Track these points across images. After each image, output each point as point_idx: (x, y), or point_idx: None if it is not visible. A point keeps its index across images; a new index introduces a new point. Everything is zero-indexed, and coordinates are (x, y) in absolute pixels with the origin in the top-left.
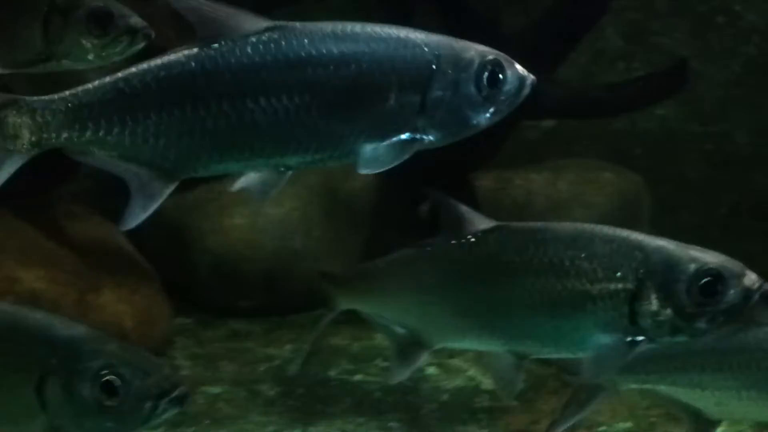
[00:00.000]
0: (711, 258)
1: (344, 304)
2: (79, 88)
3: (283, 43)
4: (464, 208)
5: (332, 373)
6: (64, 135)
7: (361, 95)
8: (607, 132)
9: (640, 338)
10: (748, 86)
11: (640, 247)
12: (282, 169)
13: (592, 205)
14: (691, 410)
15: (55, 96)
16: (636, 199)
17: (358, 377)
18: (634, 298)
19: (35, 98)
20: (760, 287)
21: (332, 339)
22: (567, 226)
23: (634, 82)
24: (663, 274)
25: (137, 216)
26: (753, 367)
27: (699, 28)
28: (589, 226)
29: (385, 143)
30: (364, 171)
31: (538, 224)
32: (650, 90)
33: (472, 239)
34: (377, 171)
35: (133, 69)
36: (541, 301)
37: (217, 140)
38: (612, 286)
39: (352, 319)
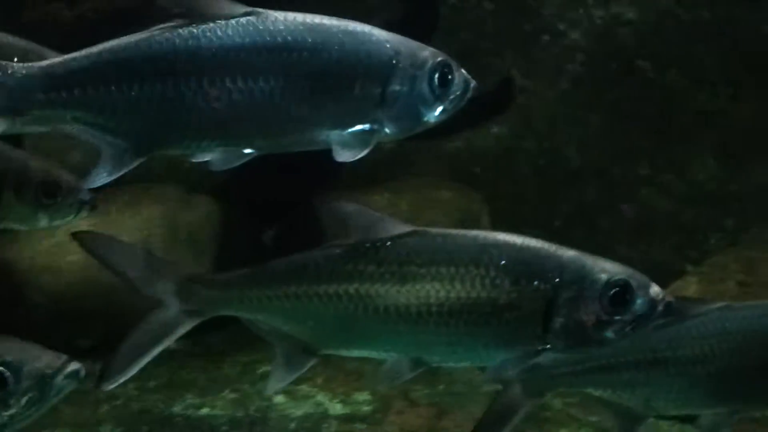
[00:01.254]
0: (620, 269)
1: (222, 309)
2: (57, 59)
3: (261, 27)
4: (377, 213)
5: (177, 408)
6: (39, 97)
7: (329, 83)
8: (446, 151)
9: (548, 347)
10: (575, 102)
11: (554, 257)
12: (249, 150)
13: (432, 223)
14: (621, 408)
15: (34, 64)
16: (475, 216)
17: (204, 411)
18: (548, 307)
19: (14, 63)
20: (663, 298)
21: (180, 372)
22: (483, 234)
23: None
24: (576, 285)
25: (102, 178)
26: (682, 362)
27: (526, 48)
28: (504, 236)
29: (350, 131)
30: (341, 159)
31: (453, 231)
32: (481, 109)
33: (379, 244)
34: (352, 159)
35: (113, 43)
36: (450, 310)
37: (190, 118)
38: (527, 296)
39: (205, 352)
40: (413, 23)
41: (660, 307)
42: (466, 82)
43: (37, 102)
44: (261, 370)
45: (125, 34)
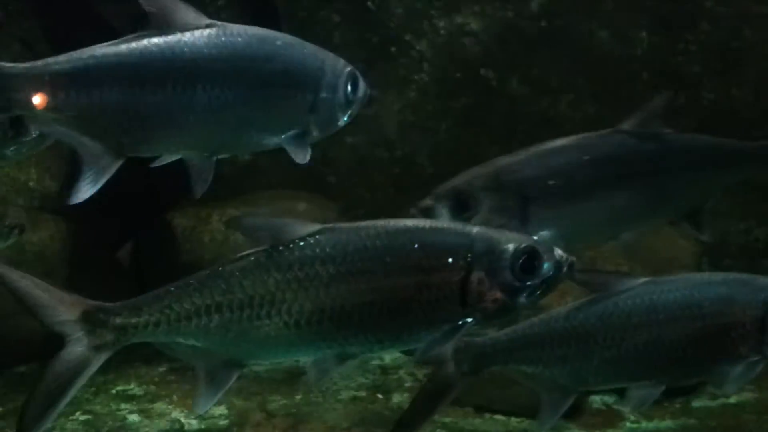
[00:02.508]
0: (524, 237)
1: (135, 336)
2: (40, 62)
3: (223, 39)
4: (284, 219)
5: None
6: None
7: (276, 90)
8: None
9: (469, 320)
10: (424, 111)
11: (463, 234)
12: (206, 154)
13: None
14: (550, 385)
15: (20, 64)
16: None
17: None
18: (464, 282)
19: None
20: (567, 259)
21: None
22: (392, 223)
23: None
24: (487, 257)
25: (86, 190)
26: (611, 336)
27: (374, 59)
28: (412, 221)
29: (290, 135)
30: (300, 161)
31: (362, 223)
32: None
33: (291, 246)
34: (305, 161)
35: (94, 49)
36: (371, 301)
37: (157, 120)
38: (443, 275)
39: None
40: None
41: (565, 268)
42: (366, 89)
43: (20, 101)
44: (115, 390)
45: None
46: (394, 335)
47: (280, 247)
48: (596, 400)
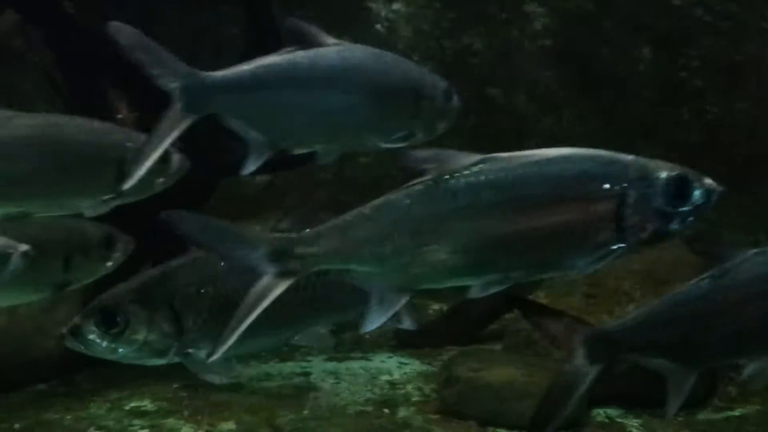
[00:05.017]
0: (675, 166)
1: (315, 265)
2: (227, 71)
3: (347, 54)
4: (447, 150)
5: None
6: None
7: (388, 97)
8: (317, 183)
9: (623, 245)
10: None
11: (618, 162)
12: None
13: None
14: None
15: (213, 73)
16: None
17: None
18: (619, 207)
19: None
20: (717, 188)
21: (46, 413)
22: (551, 151)
23: None
24: (641, 183)
25: (251, 166)
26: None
27: None
28: (568, 149)
29: (397, 137)
30: (406, 162)
31: (523, 152)
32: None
33: (456, 173)
34: (410, 162)
35: (263, 60)
36: (535, 225)
37: (302, 118)
38: (601, 201)
39: (72, 391)
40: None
41: (715, 197)
42: (459, 100)
43: (213, 103)
44: (128, 406)
45: None
46: (553, 261)
47: (446, 176)
48: (600, 413)
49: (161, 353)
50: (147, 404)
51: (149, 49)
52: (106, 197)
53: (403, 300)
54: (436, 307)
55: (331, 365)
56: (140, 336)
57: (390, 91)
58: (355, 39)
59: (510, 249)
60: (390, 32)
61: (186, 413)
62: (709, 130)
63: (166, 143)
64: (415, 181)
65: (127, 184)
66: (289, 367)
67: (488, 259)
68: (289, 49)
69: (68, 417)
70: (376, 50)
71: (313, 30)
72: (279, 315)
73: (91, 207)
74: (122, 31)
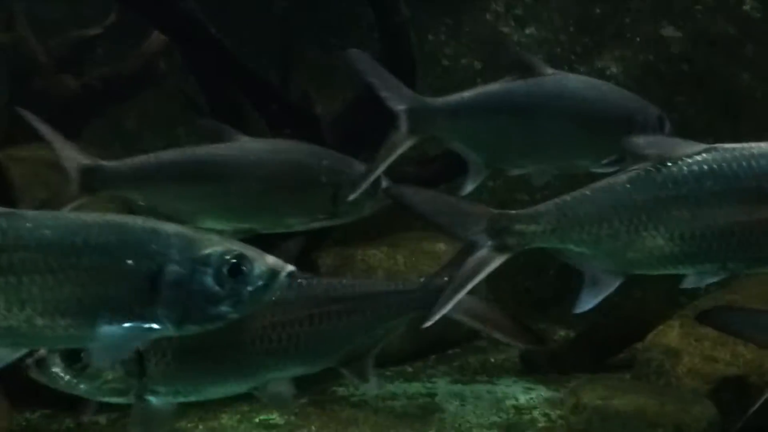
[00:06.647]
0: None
1: (532, 242)
2: (450, 97)
3: (563, 83)
4: (671, 138)
5: None
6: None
7: (598, 123)
8: None
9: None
10: None
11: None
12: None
13: (423, 274)
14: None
15: (435, 99)
16: None
17: None
18: None
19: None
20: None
21: (180, 422)
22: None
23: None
24: None
25: (469, 186)
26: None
27: None
28: None
29: (608, 161)
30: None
31: (745, 144)
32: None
33: (679, 161)
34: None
35: (485, 87)
36: (757, 217)
37: (519, 141)
38: None
39: (205, 402)
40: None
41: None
42: (671, 127)
43: (435, 126)
44: (257, 419)
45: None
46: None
47: (669, 163)
48: None
49: (121, 392)
50: (276, 418)
51: (380, 74)
52: (321, 217)
53: (616, 283)
54: (562, 333)
55: (456, 387)
56: (102, 374)
57: (603, 118)
58: (487, 63)
59: (729, 240)
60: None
61: (313, 428)
62: None
63: (389, 161)
64: (636, 167)
65: (353, 196)
66: (414, 387)
67: (706, 248)
68: (509, 78)
69: (200, 427)
70: (591, 79)
71: (534, 60)
72: (242, 361)
73: (305, 226)
74: (357, 58)
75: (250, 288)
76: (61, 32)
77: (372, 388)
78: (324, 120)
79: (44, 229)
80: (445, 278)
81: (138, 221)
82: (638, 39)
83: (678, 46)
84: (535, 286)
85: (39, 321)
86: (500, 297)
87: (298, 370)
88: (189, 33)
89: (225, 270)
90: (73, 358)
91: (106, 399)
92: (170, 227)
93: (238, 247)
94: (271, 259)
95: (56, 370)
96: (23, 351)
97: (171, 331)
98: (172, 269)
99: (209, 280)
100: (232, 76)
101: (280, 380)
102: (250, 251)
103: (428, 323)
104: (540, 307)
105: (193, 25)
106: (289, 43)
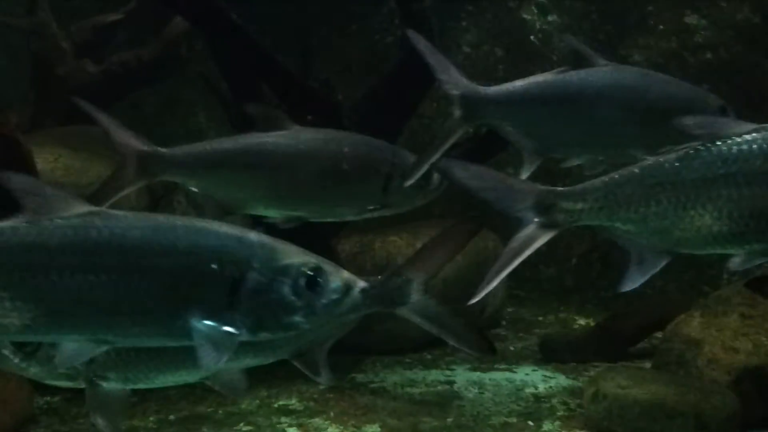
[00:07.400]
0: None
1: (578, 220)
2: (504, 86)
3: (615, 75)
4: (719, 117)
5: None
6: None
7: (654, 115)
8: (458, 193)
9: None
10: None
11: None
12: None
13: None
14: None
15: (485, 87)
16: (489, 254)
17: None
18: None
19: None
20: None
21: (199, 407)
22: None
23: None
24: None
25: (526, 171)
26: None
27: None
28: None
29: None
30: None
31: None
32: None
33: (728, 140)
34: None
35: (533, 78)
36: None
37: (572, 130)
38: None
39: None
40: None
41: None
42: (735, 115)
43: (488, 114)
44: (277, 405)
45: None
46: None
47: (718, 142)
48: None
49: (70, 377)
50: (295, 403)
51: (439, 58)
52: (371, 207)
53: (663, 263)
54: (582, 322)
55: (475, 375)
56: (50, 358)
57: (657, 109)
58: (509, 50)
59: None
60: (544, 44)
61: (332, 414)
62: None
63: (444, 148)
64: (686, 145)
65: (408, 182)
66: (433, 374)
67: (754, 228)
68: (562, 68)
69: (220, 412)
70: (645, 70)
71: (588, 51)
72: (190, 350)
73: (355, 216)
74: (418, 40)
75: (324, 300)
76: (82, 17)
77: (325, 380)
78: (344, 107)
79: (134, 229)
80: (404, 276)
81: (223, 227)
82: (661, 27)
83: (702, 35)
84: (556, 275)
85: (121, 319)
86: (522, 285)
87: (250, 361)
88: (210, 19)
89: (302, 281)
90: (23, 342)
91: (56, 383)
92: (254, 235)
93: (316, 259)
94: (345, 274)
95: (6, 352)
96: (104, 348)
97: (245, 336)
98: (254, 277)
99: (287, 290)
100: (253, 62)
101: (232, 370)
102: (327, 265)
103: (475, 299)
104: (561, 296)
105: (214, 11)
106: (309, 30)
